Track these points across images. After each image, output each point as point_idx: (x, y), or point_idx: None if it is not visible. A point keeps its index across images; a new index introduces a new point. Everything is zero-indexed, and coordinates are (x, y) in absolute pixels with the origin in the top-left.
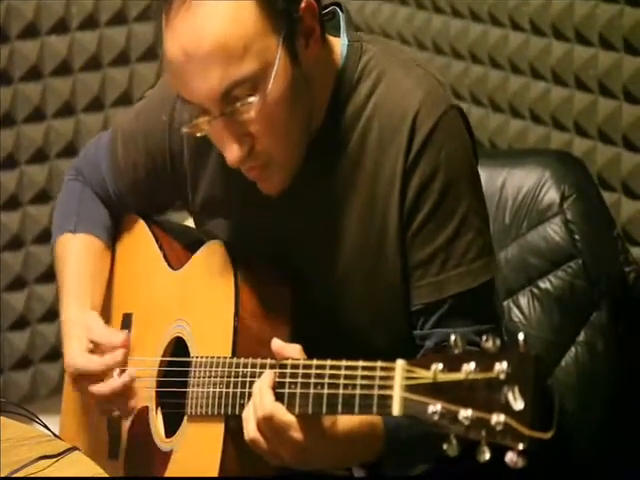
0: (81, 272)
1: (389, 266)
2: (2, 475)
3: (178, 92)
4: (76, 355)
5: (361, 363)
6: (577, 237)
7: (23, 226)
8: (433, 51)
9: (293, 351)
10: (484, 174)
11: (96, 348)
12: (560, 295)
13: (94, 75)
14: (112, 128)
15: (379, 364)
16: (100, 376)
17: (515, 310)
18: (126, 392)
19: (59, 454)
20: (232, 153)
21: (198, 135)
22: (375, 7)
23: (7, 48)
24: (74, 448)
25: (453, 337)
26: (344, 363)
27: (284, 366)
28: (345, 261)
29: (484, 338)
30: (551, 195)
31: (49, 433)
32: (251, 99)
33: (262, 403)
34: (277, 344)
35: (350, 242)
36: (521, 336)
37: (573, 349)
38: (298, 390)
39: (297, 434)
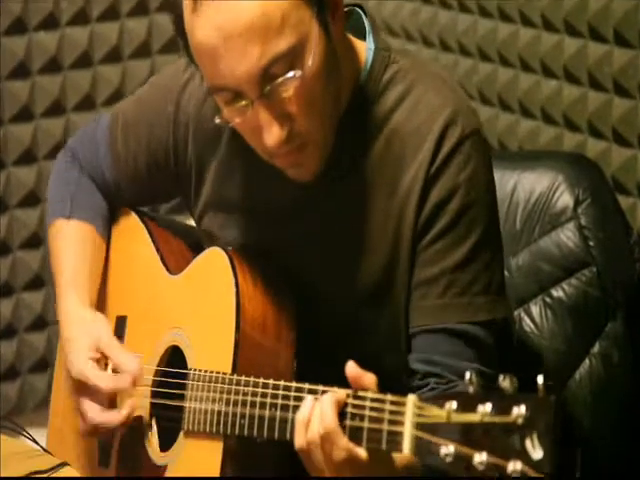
0: (79, 263)
1: (399, 280)
2: None
3: (208, 81)
4: (83, 363)
5: (370, 394)
6: (591, 244)
7: (10, 231)
8: (440, 47)
9: (370, 381)
10: (494, 177)
11: (101, 358)
12: (574, 304)
13: (85, 73)
14: (112, 114)
15: (389, 397)
16: (101, 393)
17: (527, 319)
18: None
19: (50, 469)
20: (273, 135)
21: (232, 124)
22: (378, 1)
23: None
24: (64, 464)
25: (468, 374)
26: (350, 392)
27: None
28: (357, 270)
29: (501, 377)
30: (564, 199)
31: (38, 448)
32: (291, 74)
33: (324, 420)
34: (354, 370)
35: (362, 253)
36: (540, 379)
37: (587, 361)
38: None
39: (351, 461)
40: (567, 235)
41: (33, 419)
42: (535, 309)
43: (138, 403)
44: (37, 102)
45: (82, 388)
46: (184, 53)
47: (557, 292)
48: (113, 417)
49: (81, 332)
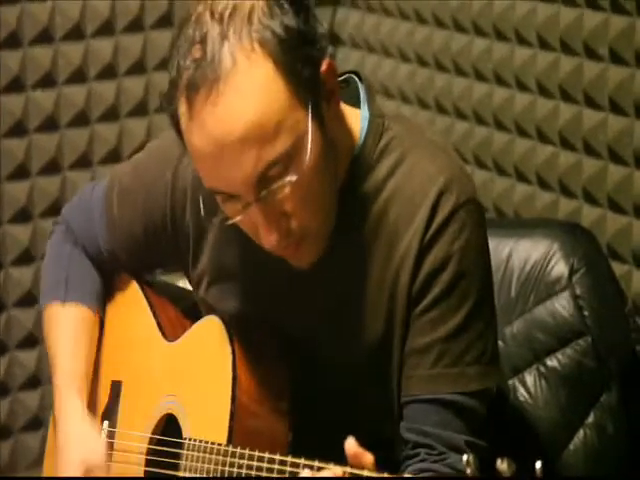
0: (75, 354)
1: (395, 348)
2: None
3: (205, 183)
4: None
5: (366, 473)
6: (586, 313)
7: (5, 289)
8: (436, 110)
9: (368, 461)
10: (490, 244)
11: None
12: (568, 374)
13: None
14: (108, 180)
15: (386, 476)
16: None
17: (521, 389)
18: None
19: None
20: (270, 239)
21: (229, 223)
22: (376, 63)
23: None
24: None
25: (466, 457)
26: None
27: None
28: (354, 339)
29: (499, 460)
30: (559, 268)
31: None
32: (288, 178)
33: None
34: (353, 447)
35: (359, 322)
36: (538, 464)
37: (582, 431)
38: None
39: None
40: (562, 304)
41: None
42: (529, 378)
43: (132, 470)
44: (34, 160)
45: None
46: (181, 145)
47: (552, 362)
48: None
49: (77, 450)
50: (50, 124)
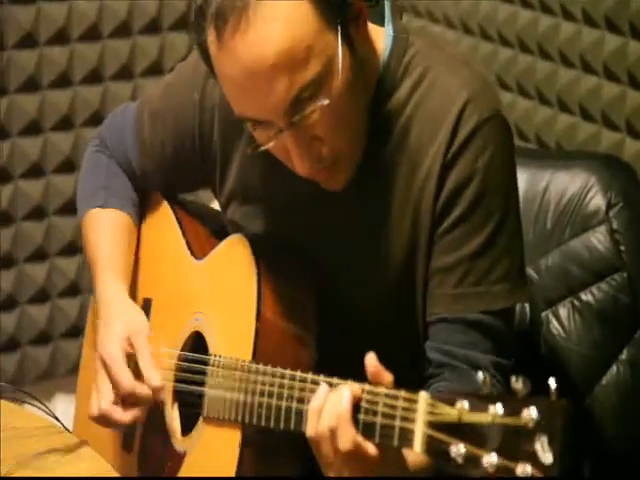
0: (115, 249)
1: (419, 269)
2: (7, 465)
3: (236, 111)
4: (115, 351)
5: (383, 390)
6: (622, 248)
7: (46, 195)
8: (480, 36)
9: (388, 380)
10: (527, 175)
11: (132, 355)
12: (603, 309)
13: (124, 42)
14: (139, 101)
15: (402, 394)
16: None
17: (554, 322)
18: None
19: (68, 449)
20: (303, 164)
21: (260, 150)
22: None
23: (34, 9)
24: (84, 442)
25: (481, 375)
26: (364, 387)
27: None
28: (377, 261)
29: (514, 378)
30: (596, 202)
31: (60, 424)
32: (319, 102)
33: (337, 411)
34: (373, 363)
35: (382, 244)
36: (552, 383)
37: (615, 367)
38: None
39: (360, 454)
40: (598, 238)
41: (66, 384)
42: (563, 312)
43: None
44: (75, 70)
45: (104, 370)
46: (211, 74)
47: (586, 296)
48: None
49: (119, 319)
50: (92, 34)
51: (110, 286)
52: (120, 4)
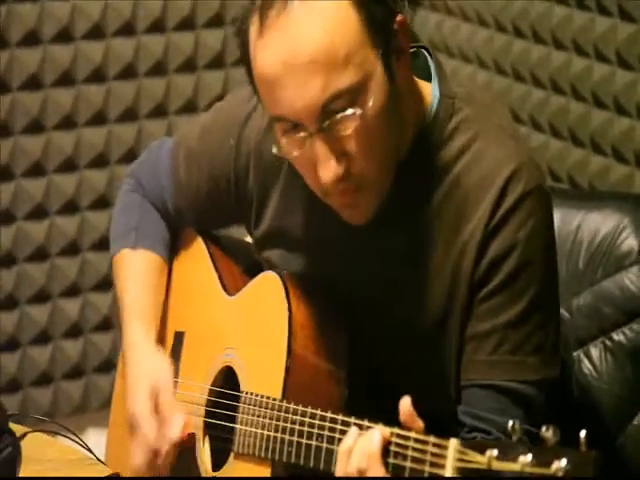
0: (144, 291)
1: (452, 330)
2: None
3: (268, 110)
4: (141, 409)
5: (413, 434)
6: None
7: (81, 232)
8: (513, 78)
9: (419, 427)
10: (559, 214)
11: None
12: (634, 349)
13: (159, 81)
14: (175, 141)
15: (432, 439)
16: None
17: (586, 361)
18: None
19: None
20: (329, 170)
21: (289, 156)
22: (454, 26)
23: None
24: (116, 475)
25: (511, 423)
26: (394, 431)
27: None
28: (410, 314)
29: (544, 428)
30: (630, 242)
31: (93, 456)
32: (351, 111)
33: (367, 452)
34: (408, 406)
35: (416, 299)
36: (583, 434)
37: None
38: None
39: None
40: (631, 279)
41: (99, 419)
42: (595, 352)
43: (192, 422)
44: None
45: (133, 428)
46: (248, 81)
47: (618, 336)
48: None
49: (145, 373)
50: (129, 73)
51: (137, 333)
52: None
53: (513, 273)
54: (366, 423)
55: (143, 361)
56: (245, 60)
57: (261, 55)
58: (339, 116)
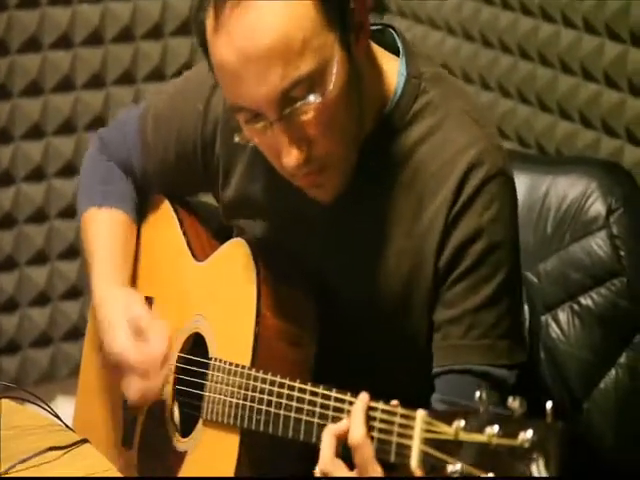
0: (112, 248)
1: (415, 312)
2: (9, 464)
3: (229, 100)
4: (124, 344)
5: (381, 405)
6: (622, 253)
7: (47, 200)
8: (481, 43)
9: None
10: (527, 180)
11: (139, 334)
12: (602, 313)
13: (126, 47)
14: (144, 105)
15: (399, 410)
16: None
17: (553, 325)
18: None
19: (68, 446)
20: (291, 158)
21: (251, 144)
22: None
23: (37, 14)
24: (84, 440)
25: (478, 393)
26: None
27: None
28: (372, 291)
29: (511, 398)
30: (597, 207)
31: (61, 423)
32: (311, 98)
33: (354, 432)
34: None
35: (378, 276)
36: (549, 405)
37: (613, 371)
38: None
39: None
40: (598, 244)
41: (67, 386)
42: (562, 316)
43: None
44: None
45: (121, 367)
46: (210, 70)
47: (585, 300)
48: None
49: (117, 312)
50: (95, 39)
51: (103, 283)
52: (123, 9)
53: (480, 257)
54: (334, 393)
55: (116, 304)
56: (204, 50)
57: (218, 48)
58: (299, 104)
